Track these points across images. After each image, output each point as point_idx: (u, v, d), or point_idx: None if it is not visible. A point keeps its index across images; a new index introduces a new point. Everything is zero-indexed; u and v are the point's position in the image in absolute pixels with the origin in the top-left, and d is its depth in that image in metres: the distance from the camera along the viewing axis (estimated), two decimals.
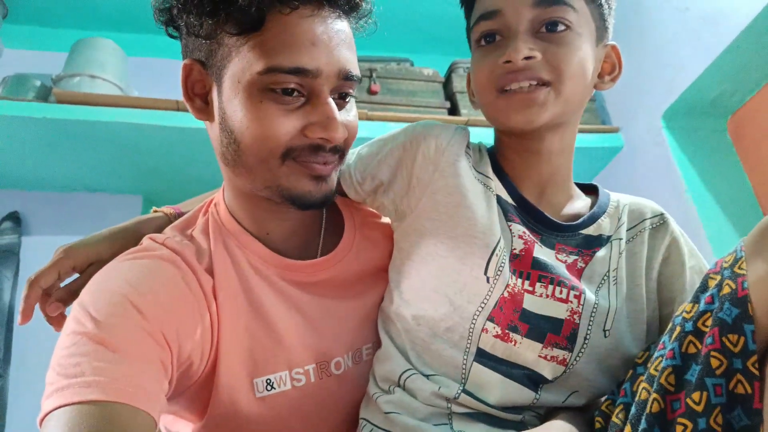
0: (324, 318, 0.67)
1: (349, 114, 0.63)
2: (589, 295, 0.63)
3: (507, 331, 0.61)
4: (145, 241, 0.64)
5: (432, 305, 0.64)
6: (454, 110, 1.77)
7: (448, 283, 0.63)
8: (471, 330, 0.62)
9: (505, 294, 0.62)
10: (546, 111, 0.62)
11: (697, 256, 0.69)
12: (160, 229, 0.69)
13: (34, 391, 1.39)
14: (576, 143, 0.72)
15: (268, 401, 0.62)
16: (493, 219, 0.64)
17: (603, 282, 0.65)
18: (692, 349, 0.50)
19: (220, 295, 0.61)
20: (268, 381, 0.62)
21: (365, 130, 1.53)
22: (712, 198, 1.55)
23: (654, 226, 0.69)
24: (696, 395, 0.48)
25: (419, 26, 2.13)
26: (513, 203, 0.67)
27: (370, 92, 1.63)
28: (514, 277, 0.62)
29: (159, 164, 1.60)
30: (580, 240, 0.67)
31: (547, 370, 0.61)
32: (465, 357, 0.62)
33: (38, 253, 1.58)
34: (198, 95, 0.61)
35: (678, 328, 0.52)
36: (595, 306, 0.62)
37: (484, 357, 0.62)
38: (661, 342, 0.55)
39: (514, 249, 0.64)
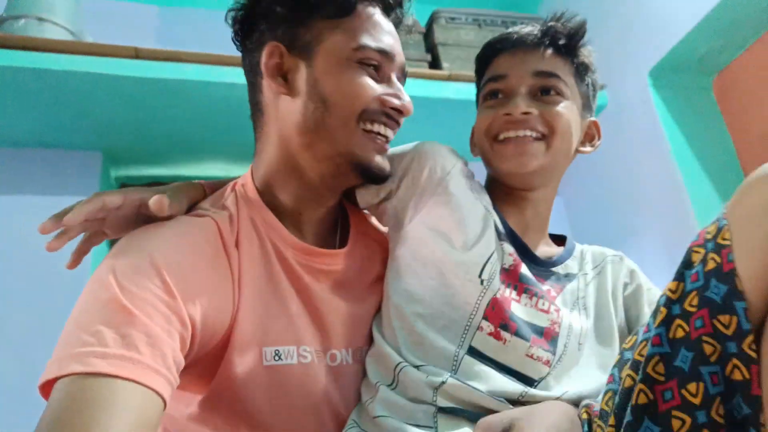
0: (328, 309, 0.71)
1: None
2: (565, 312, 0.71)
3: (499, 329, 0.66)
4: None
5: (429, 305, 0.69)
6: (435, 63, 1.69)
7: (447, 285, 0.69)
8: (467, 328, 0.67)
9: (497, 296, 0.68)
10: (536, 160, 0.74)
11: (652, 285, 0.81)
12: (199, 199, 0.73)
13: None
14: None
15: (273, 371, 0.64)
16: (489, 235, 0.72)
17: (574, 307, 0.74)
18: (680, 333, 0.47)
19: (244, 259, 0.65)
20: (277, 352, 0.65)
21: None
22: (696, 160, 1.52)
23: (614, 261, 0.83)
24: (692, 386, 0.45)
25: None
26: (503, 231, 0.75)
27: None
28: (503, 287, 0.69)
29: (119, 118, 1.48)
30: (551, 276, 0.76)
31: (533, 371, 0.65)
32: (458, 349, 0.66)
33: None
34: (278, 74, 0.70)
35: (663, 310, 0.49)
36: (570, 325, 0.70)
37: (475, 354, 0.66)
38: (645, 326, 0.53)
39: (504, 264, 0.71)
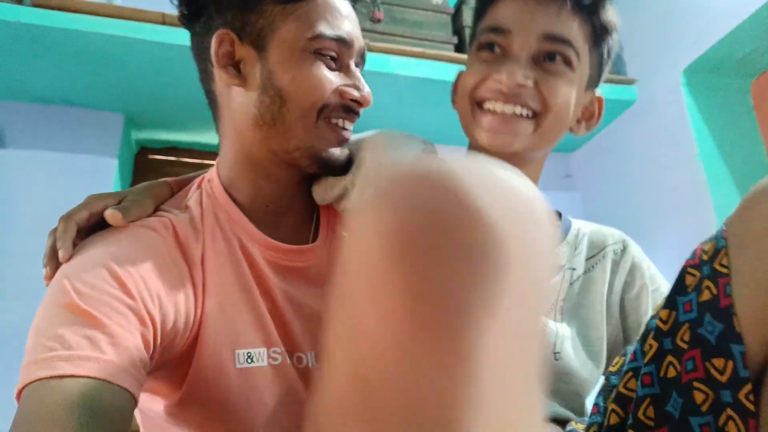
0: (294, 310, 0.68)
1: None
2: None
3: None
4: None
5: None
6: (461, 47, 1.65)
7: None
8: None
9: None
10: (520, 141, 0.64)
11: (659, 281, 0.71)
12: (165, 198, 0.71)
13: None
14: None
15: (246, 373, 0.63)
16: None
17: (550, 309, 0.65)
18: (672, 372, 0.43)
19: (209, 263, 0.64)
20: (249, 354, 0.64)
21: (368, 63, 1.42)
22: (723, 165, 1.47)
23: (615, 253, 0.71)
24: None
25: None
26: None
27: (373, 20, 1.50)
28: None
29: (142, 82, 1.50)
30: None
31: None
32: None
33: (12, 166, 1.51)
34: (230, 64, 0.66)
35: (654, 344, 0.45)
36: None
37: None
38: (632, 351, 0.48)
39: None
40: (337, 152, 0.68)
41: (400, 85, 1.49)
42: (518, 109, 0.63)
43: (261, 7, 0.64)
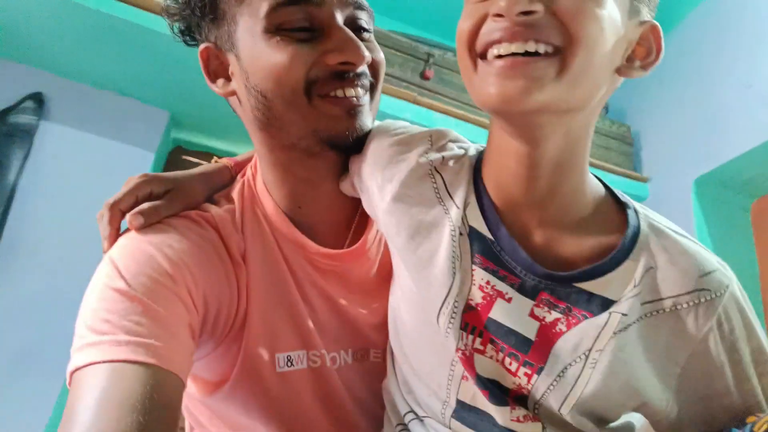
0: (329, 309, 0.67)
1: (374, 52, 0.62)
2: (547, 375, 0.49)
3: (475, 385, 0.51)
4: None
5: (413, 344, 0.57)
6: None
7: (423, 323, 0.54)
8: (450, 377, 0.53)
9: (459, 354, 0.51)
10: (542, 89, 0.42)
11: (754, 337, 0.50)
12: (224, 185, 0.70)
13: (24, 269, 1.39)
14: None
15: (286, 377, 0.63)
16: (446, 264, 0.51)
17: (578, 360, 0.48)
18: None
19: (250, 260, 0.62)
20: (288, 357, 0.63)
21: (411, 114, 1.51)
22: None
23: (690, 304, 0.47)
24: None
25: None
26: (489, 237, 0.51)
27: (423, 77, 1.60)
28: (465, 333, 0.51)
29: (193, 84, 1.55)
30: (573, 294, 0.49)
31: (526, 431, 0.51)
32: (443, 411, 0.55)
33: (54, 140, 1.55)
34: (221, 76, 0.64)
35: None
36: (551, 387, 0.49)
37: (463, 411, 0.53)
38: None
39: (471, 299, 0.51)
40: (345, 125, 0.59)
41: None
42: (531, 46, 0.42)
43: (223, 10, 0.60)
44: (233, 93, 0.63)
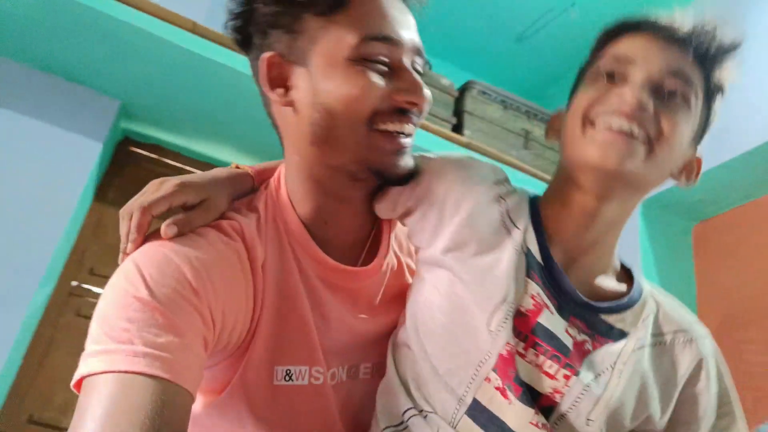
0: (339, 325, 0.68)
1: (426, 88, 0.68)
2: (583, 378, 0.59)
3: (505, 387, 0.59)
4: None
5: (439, 343, 0.63)
6: (458, 128, 1.77)
7: (459, 324, 0.62)
8: (474, 377, 0.60)
9: (504, 352, 0.59)
10: (632, 163, 0.58)
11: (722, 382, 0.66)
12: (245, 192, 0.72)
13: None
14: None
15: (281, 391, 0.63)
16: (509, 272, 0.62)
17: (605, 371, 0.60)
18: None
19: (268, 270, 0.64)
20: (288, 371, 0.64)
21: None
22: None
23: (683, 340, 0.65)
24: None
25: (447, 31, 2.11)
26: (540, 261, 0.63)
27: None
28: (513, 337, 0.60)
29: (149, 76, 1.51)
30: (597, 323, 0.63)
31: None
32: (457, 407, 0.60)
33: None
34: (279, 86, 0.65)
35: None
36: (584, 391, 0.59)
37: (477, 410, 0.60)
38: None
39: (522, 306, 0.61)
40: (394, 161, 0.65)
41: None
42: (636, 129, 0.58)
43: (302, 24, 0.63)
44: (291, 104, 0.65)
